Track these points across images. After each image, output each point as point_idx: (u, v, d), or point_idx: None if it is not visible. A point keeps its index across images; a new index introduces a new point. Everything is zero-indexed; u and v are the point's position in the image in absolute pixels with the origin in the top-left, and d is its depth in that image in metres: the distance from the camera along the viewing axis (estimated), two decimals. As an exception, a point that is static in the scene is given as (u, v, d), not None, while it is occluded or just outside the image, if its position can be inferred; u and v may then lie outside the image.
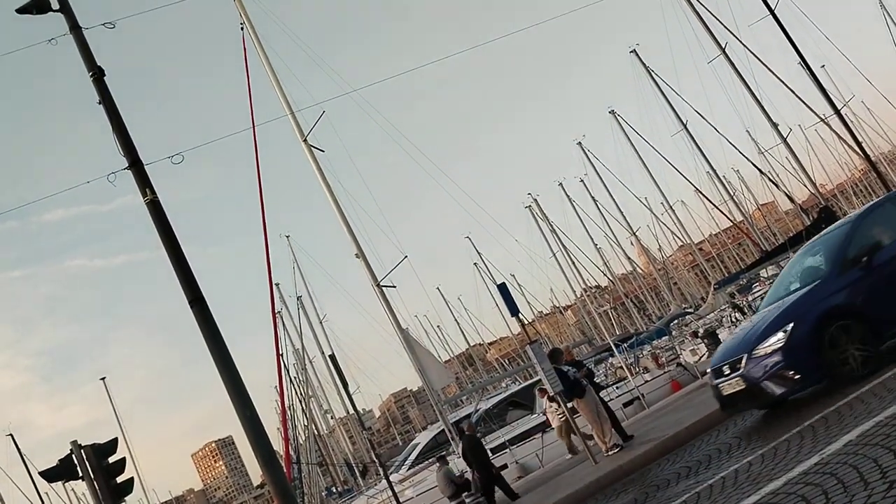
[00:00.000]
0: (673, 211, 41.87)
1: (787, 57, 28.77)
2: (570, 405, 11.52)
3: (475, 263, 56.90)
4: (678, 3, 30.39)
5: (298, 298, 44.23)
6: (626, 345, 35.85)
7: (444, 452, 19.11)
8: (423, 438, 26.81)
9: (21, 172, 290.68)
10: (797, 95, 29.08)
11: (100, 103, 10.44)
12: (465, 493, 14.62)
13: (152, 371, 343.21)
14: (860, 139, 27.22)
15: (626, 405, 19.87)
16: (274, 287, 47.11)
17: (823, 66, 26.40)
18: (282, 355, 21.08)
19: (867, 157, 25.31)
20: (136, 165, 10.21)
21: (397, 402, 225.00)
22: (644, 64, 34.06)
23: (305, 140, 22.94)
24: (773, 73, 28.99)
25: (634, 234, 46.00)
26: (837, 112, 25.64)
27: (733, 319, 26.71)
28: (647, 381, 21.21)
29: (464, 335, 66.75)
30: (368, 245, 24.37)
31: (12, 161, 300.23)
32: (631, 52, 35.09)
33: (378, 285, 22.10)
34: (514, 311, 11.04)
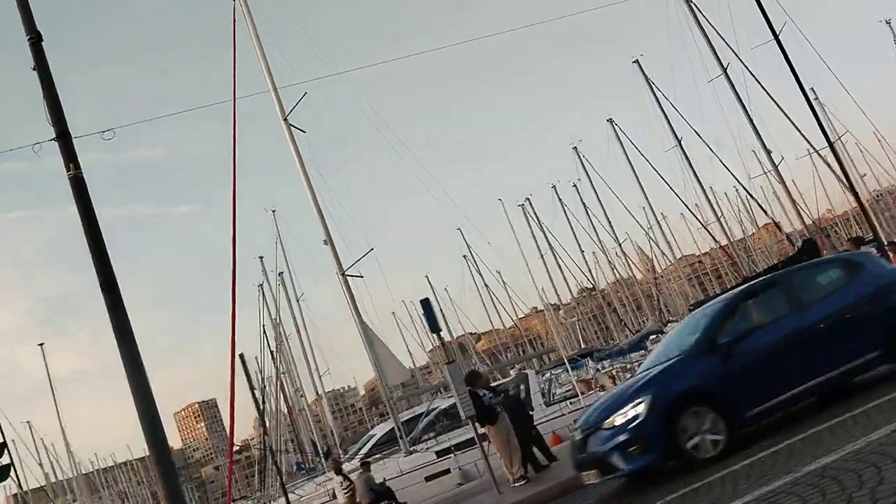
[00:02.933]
0: (660, 225, 41.44)
1: (788, 83, 28.40)
2: (481, 430, 11.21)
3: (465, 256, 57.19)
4: (685, 18, 29.98)
5: (279, 275, 44.05)
6: (588, 359, 35.52)
7: (369, 459, 18.90)
8: (379, 430, 26.57)
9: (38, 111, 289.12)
10: (794, 125, 28.63)
11: (34, 69, 10.05)
12: (385, 502, 14.38)
13: (142, 327, 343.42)
14: (850, 173, 26.76)
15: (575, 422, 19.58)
16: (257, 260, 47.17)
17: (816, 98, 25.83)
18: (236, 337, 20.63)
19: (854, 192, 24.89)
20: (63, 137, 9.81)
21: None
22: (645, 76, 33.68)
23: (286, 119, 22.62)
24: (772, 99, 28.55)
25: (620, 244, 45.63)
26: (830, 145, 25.24)
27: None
28: (603, 400, 20.87)
29: (447, 325, 66.70)
30: (341, 233, 24.09)
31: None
32: (633, 62, 34.71)
33: (343, 274, 21.82)
34: (435, 327, 10.73)
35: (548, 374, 26.60)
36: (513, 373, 27.01)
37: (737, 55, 28.12)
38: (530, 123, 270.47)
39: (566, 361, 22.27)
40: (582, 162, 45.79)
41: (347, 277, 21.60)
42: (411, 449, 20.36)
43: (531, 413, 20.75)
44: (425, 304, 10.83)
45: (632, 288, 64.31)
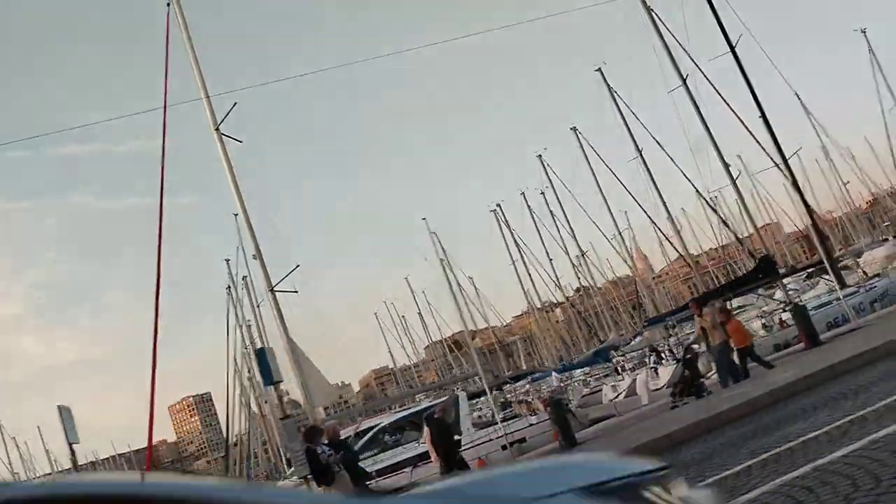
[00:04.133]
0: (621, 235, 40.65)
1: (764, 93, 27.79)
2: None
3: (441, 259, 56.67)
4: (645, 27, 29.22)
5: (244, 279, 43.40)
6: (524, 381, 34.78)
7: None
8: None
9: (38, 102, 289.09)
10: (755, 138, 27.88)
11: None
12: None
13: (143, 319, 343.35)
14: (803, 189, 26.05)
15: (503, 448, 19.06)
16: (225, 263, 46.54)
17: (761, 117, 25.07)
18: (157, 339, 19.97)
19: (807, 206, 24.26)
20: None
21: (377, 379, 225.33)
22: (608, 85, 32.94)
23: (217, 129, 21.96)
24: (733, 111, 27.81)
25: (583, 254, 44.83)
26: (785, 160, 24.61)
27: (652, 361, 25.85)
28: (531, 424, 20.28)
29: (425, 328, 66.81)
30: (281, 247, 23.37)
31: (30, 90, 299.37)
32: (596, 70, 33.97)
33: (272, 290, 21.18)
34: (268, 380, 10.13)
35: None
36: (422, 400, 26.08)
37: (697, 66, 27.40)
38: (503, 128, 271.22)
39: (487, 388, 21.31)
40: (546, 170, 45.33)
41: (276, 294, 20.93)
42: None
43: (458, 437, 20.26)
44: (260, 353, 10.22)
45: (615, 292, 63.89)
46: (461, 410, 20.38)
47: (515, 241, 47.00)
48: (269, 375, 10.20)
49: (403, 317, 71.59)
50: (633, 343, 31.23)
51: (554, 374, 35.54)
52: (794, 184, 24.10)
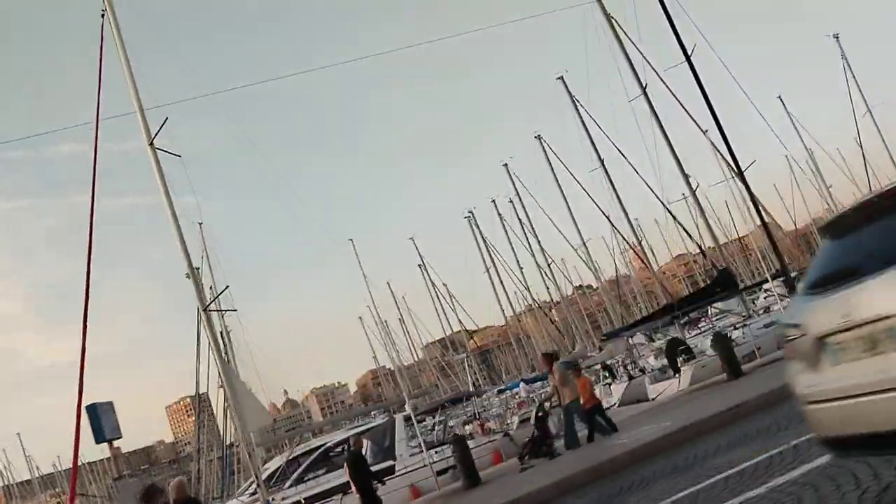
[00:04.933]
0: (585, 246, 39.98)
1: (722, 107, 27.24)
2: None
3: (419, 265, 56.78)
4: (605, 35, 28.66)
5: (210, 288, 42.87)
6: (522, 383, 34.38)
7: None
8: (271, 465, 25.54)
9: (35, 102, 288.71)
10: (717, 148, 27.34)
11: None
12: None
13: (142, 317, 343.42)
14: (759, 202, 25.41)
15: (440, 473, 18.45)
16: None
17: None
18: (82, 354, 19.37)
19: (762, 220, 23.69)
20: None
21: (374, 379, 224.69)
22: (570, 93, 32.33)
23: (152, 143, 21.37)
24: (694, 121, 27.30)
25: (550, 264, 44.20)
26: (740, 173, 24.04)
27: (604, 376, 25.36)
28: (478, 445, 19.71)
29: (405, 333, 66.62)
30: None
31: (26, 89, 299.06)
32: (558, 79, 33.37)
33: (205, 310, 20.63)
34: (100, 437, 9.59)
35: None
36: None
37: (658, 75, 26.85)
38: (478, 134, 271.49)
39: (413, 418, 20.51)
40: (512, 179, 44.71)
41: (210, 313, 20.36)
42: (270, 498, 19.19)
43: (392, 463, 19.68)
44: (91, 409, 9.68)
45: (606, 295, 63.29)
46: (396, 435, 19.78)
47: (487, 249, 46.48)
48: (101, 433, 9.61)
49: (386, 321, 72.00)
50: (596, 356, 30.67)
51: (522, 384, 35.06)
52: (751, 195, 23.46)
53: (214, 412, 49.53)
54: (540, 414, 15.91)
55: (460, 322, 53.39)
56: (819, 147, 55.32)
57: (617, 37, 27.97)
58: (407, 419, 20.02)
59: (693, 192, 26.54)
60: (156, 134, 21.26)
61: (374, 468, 19.58)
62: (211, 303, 20.26)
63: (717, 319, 27.69)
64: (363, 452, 16.57)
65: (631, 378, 23.58)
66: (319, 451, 22.72)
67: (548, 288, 44.54)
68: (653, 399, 21.44)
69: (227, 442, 41.24)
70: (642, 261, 33.54)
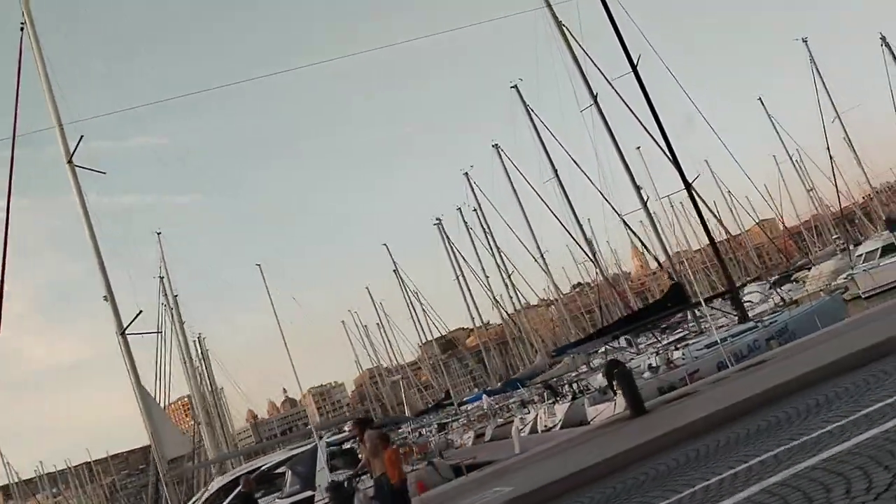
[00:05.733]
0: (543, 258, 39.00)
1: (671, 119, 26.38)
2: None
3: (394, 270, 56.49)
4: (558, 44, 27.87)
5: (175, 297, 42.34)
6: (484, 395, 33.52)
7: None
8: (214, 485, 24.94)
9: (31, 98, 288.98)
10: (671, 159, 26.51)
11: None
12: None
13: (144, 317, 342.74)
14: (706, 215, 24.68)
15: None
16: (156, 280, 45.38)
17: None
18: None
19: (708, 234, 22.99)
20: None
21: (371, 378, 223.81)
22: (524, 102, 31.52)
23: (70, 161, 20.69)
24: (648, 132, 26.45)
25: (510, 275, 43.09)
26: (687, 186, 23.34)
27: (547, 396, 24.63)
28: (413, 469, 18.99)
29: (384, 337, 66.37)
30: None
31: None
32: (512, 87, 32.55)
33: (122, 333, 20.00)
34: None
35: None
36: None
37: (610, 83, 26.08)
38: (441, 142, 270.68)
39: (321, 452, 19.54)
40: (472, 188, 43.91)
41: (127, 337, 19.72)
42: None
43: (311, 493, 18.96)
44: None
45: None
46: (318, 464, 19.05)
47: (455, 257, 45.72)
48: None
49: (366, 326, 72.11)
50: (553, 370, 29.89)
51: (484, 396, 34.27)
52: (696, 208, 22.77)
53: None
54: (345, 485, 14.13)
55: (473, 313, 50.83)
56: (798, 150, 54.39)
57: (568, 44, 27.22)
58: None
59: (644, 204, 25.77)
60: (73, 151, 20.73)
61: (294, 498, 18.98)
62: (128, 326, 19.59)
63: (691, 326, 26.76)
64: (285, 481, 15.84)
65: (574, 397, 22.80)
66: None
67: (511, 297, 43.57)
68: (591, 421, 20.71)
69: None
70: (599, 271, 32.79)
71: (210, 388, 49.97)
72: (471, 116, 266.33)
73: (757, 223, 71.70)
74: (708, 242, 25.40)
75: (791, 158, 55.45)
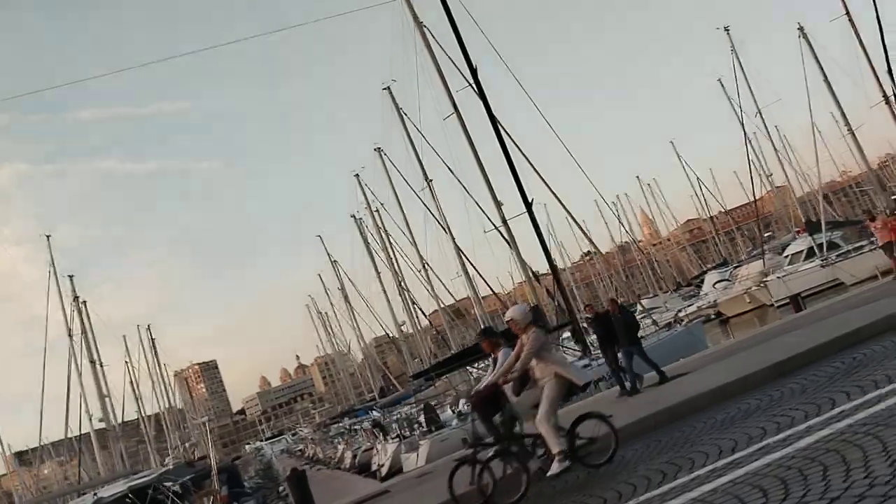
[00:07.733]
0: (425, 268, 36.93)
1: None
2: None
3: (332, 262, 56.14)
4: (422, 50, 25.86)
5: (81, 300, 40.82)
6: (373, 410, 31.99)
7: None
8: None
9: (56, 66, 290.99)
10: (539, 173, 24.73)
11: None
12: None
13: (161, 283, 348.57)
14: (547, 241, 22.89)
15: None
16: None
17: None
18: None
19: (548, 255, 21.52)
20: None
21: (378, 347, 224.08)
22: (396, 104, 29.52)
23: None
24: (504, 148, 24.54)
25: (406, 290, 40.78)
26: (528, 208, 21.66)
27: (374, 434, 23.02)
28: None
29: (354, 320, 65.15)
30: None
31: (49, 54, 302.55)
32: (384, 89, 30.48)
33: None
34: None
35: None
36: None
37: (452, 99, 24.16)
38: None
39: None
40: (363, 190, 42.01)
41: None
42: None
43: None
44: None
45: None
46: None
47: (371, 255, 43.96)
48: None
49: (326, 313, 73.43)
50: (430, 391, 28.18)
51: (374, 412, 32.70)
52: (537, 229, 21.14)
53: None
54: None
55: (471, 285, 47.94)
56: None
57: (428, 45, 25.23)
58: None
59: (505, 221, 24.02)
60: None
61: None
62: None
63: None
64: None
65: (403, 438, 21.28)
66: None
67: (406, 306, 41.27)
68: (407, 472, 19.21)
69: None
70: (478, 283, 31.08)
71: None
72: (356, 116, 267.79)
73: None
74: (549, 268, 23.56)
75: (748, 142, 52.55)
